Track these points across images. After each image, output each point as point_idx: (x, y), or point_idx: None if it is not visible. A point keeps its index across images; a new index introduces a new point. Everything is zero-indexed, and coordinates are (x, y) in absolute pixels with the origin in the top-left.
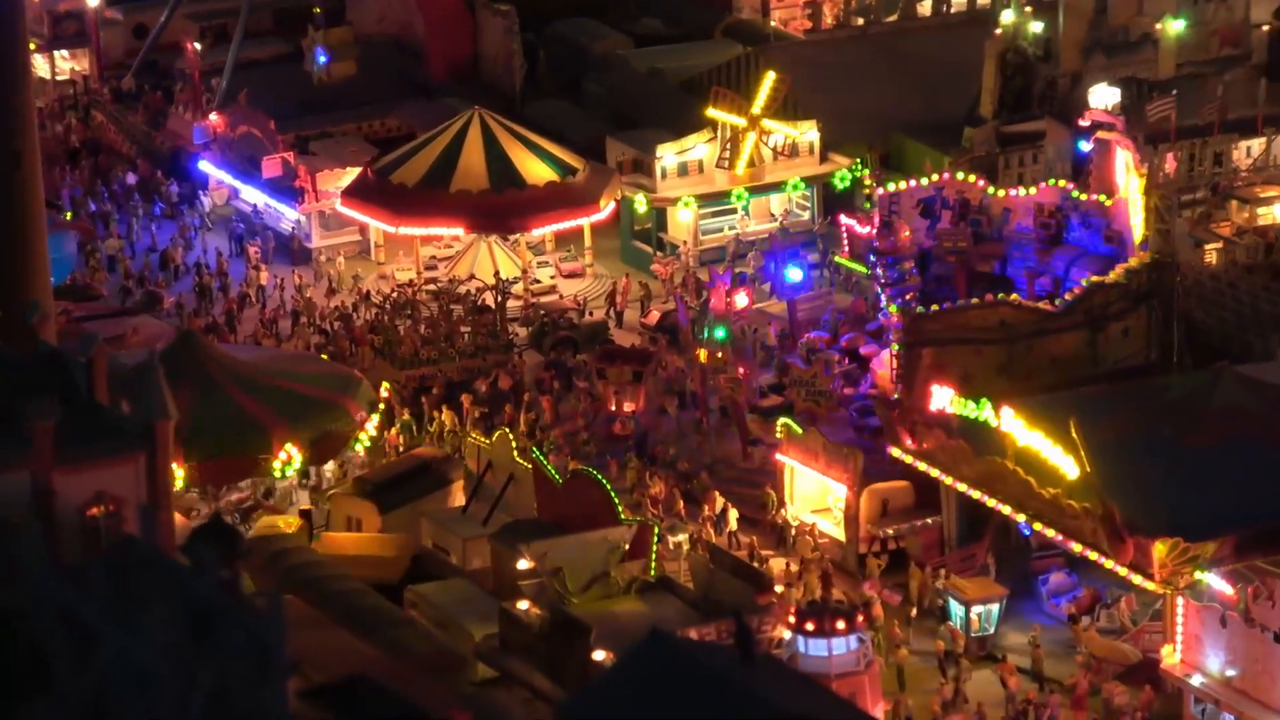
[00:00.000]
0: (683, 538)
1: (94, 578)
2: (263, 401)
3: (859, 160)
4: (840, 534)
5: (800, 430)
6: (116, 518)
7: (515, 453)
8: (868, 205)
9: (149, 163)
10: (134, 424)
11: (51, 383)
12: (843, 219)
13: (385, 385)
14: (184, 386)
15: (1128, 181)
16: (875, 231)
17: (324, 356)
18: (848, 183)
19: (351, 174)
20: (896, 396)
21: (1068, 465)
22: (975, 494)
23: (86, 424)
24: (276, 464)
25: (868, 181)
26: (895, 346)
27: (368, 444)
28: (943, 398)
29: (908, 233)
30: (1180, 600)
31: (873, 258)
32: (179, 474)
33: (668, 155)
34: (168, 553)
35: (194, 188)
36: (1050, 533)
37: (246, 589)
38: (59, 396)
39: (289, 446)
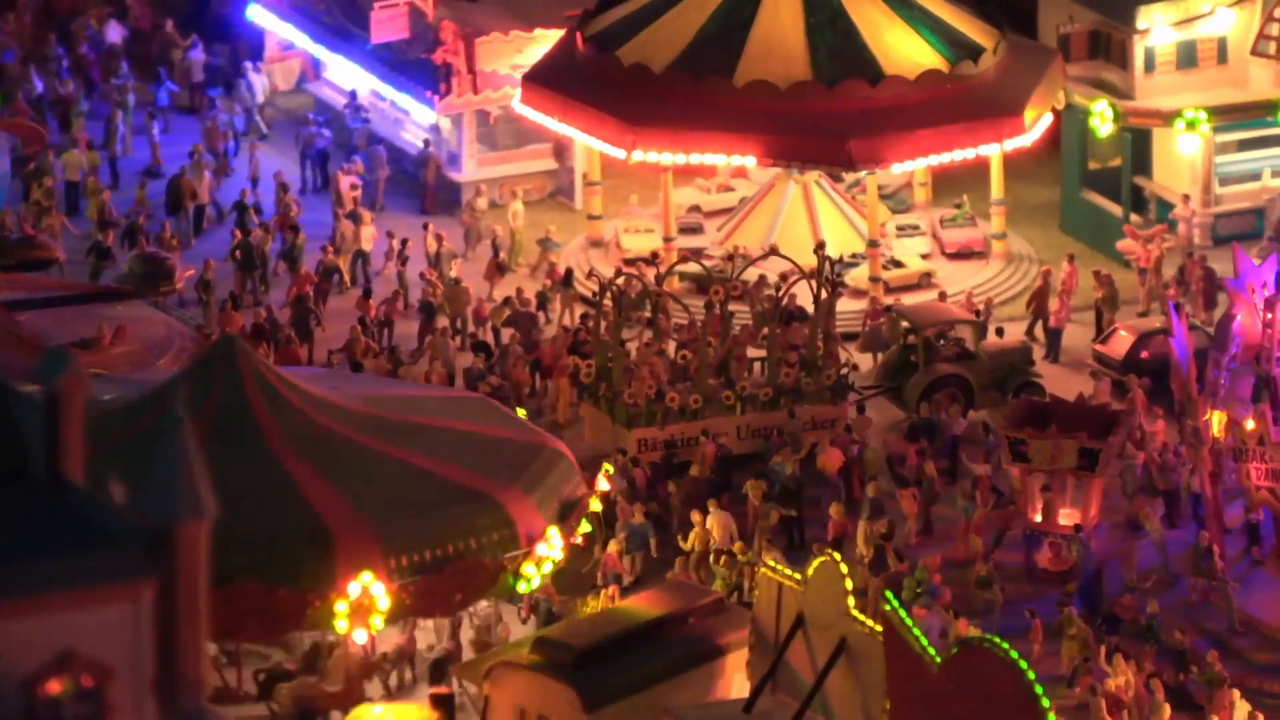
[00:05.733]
0: None
1: None
2: (448, 457)
3: None
4: None
5: None
6: (95, 701)
7: (849, 599)
8: None
9: (149, 5)
10: (135, 525)
11: None
12: None
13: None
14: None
15: None
16: None
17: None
18: None
19: (544, 41)
20: None
21: None
22: None
23: (42, 523)
24: (528, 568)
25: None
26: None
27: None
28: None
29: None
30: None
31: None
32: (382, 599)
33: (1158, 28)
34: None
35: (235, 56)
36: None
37: None
38: None
39: (550, 533)
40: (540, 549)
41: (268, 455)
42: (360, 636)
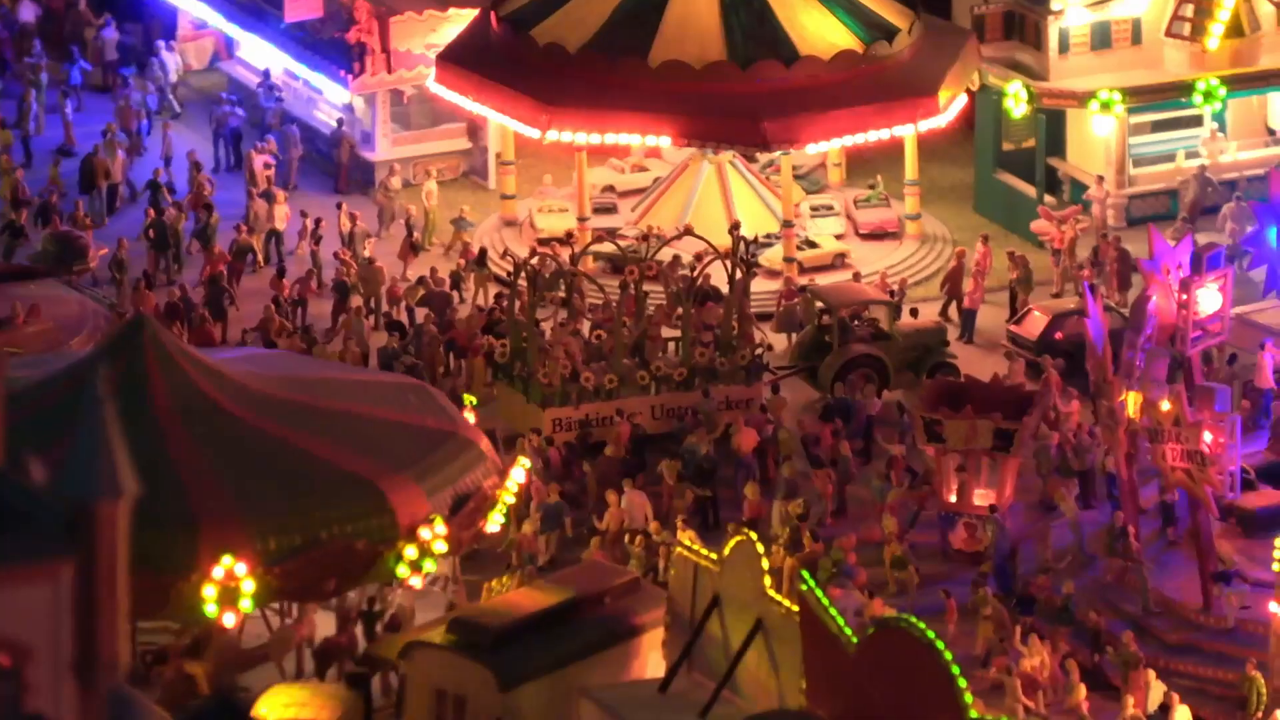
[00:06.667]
0: None
1: None
2: (346, 440)
3: None
4: None
5: None
6: (14, 681)
7: (765, 579)
8: None
9: None
10: (53, 505)
11: None
12: None
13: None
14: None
15: None
16: None
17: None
18: None
19: (459, 21)
20: None
21: None
22: None
23: None
24: (410, 552)
25: None
26: None
27: (504, 513)
28: None
29: None
30: None
31: None
32: (247, 582)
33: (1073, 9)
34: None
35: (148, 35)
36: None
37: None
38: None
39: (437, 520)
40: (423, 534)
41: (156, 434)
42: (229, 620)
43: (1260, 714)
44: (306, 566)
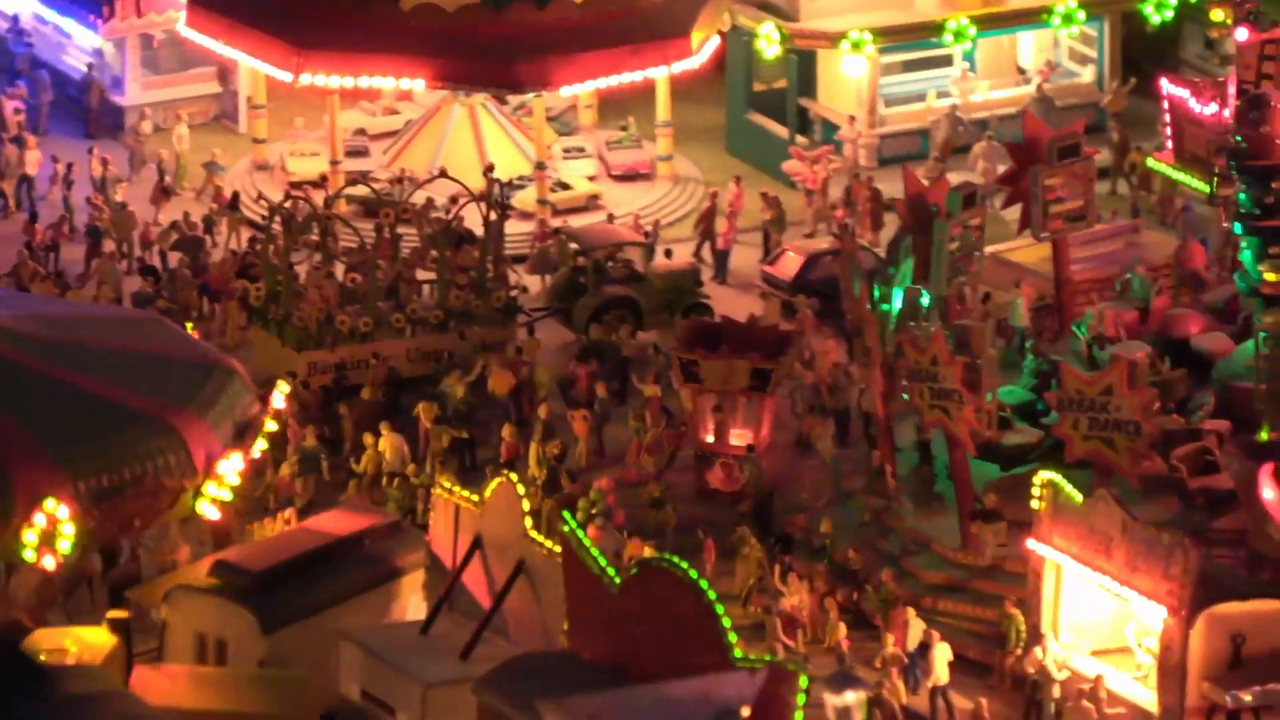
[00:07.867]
0: (852, 698)
1: None
2: (119, 380)
3: None
4: (1150, 698)
5: (1077, 497)
6: None
7: (526, 521)
8: (1215, 60)
9: None
10: None
11: None
12: (1164, 85)
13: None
14: None
15: None
16: (1229, 111)
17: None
18: (1169, 12)
19: None
20: (1268, 434)
21: None
22: None
23: None
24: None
25: (1216, 13)
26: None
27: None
28: None
29: None
30: None
31: (1226, 164)
32: (68, 525)
33: None
34: None
35: None
36: None
37: None
38: None
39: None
40: (221, 469)
41: None
42: (48, 563)
43: (1019, 650)
44: (120, 507)
